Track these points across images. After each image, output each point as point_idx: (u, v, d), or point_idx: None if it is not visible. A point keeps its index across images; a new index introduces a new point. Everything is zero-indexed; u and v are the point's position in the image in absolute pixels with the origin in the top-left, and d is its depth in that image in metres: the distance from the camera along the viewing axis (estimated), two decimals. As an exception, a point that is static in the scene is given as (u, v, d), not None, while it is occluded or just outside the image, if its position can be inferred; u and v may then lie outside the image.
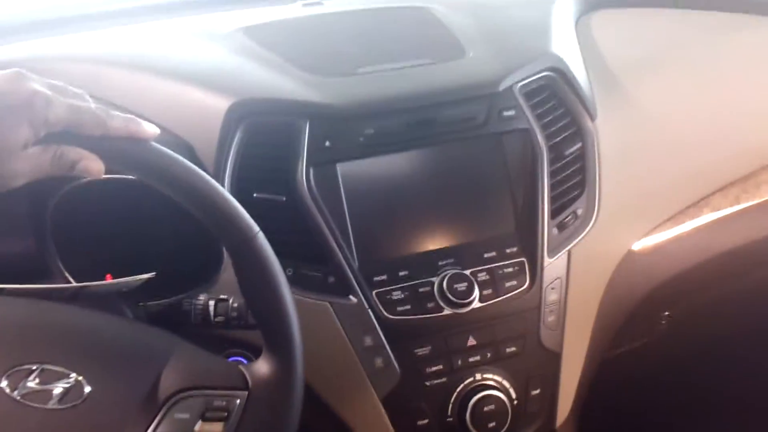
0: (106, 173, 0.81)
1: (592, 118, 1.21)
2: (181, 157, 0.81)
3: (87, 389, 0.77)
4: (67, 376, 0.77)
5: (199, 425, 0.79)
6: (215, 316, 0.97)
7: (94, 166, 0.80)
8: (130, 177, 0.87)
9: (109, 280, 0.97)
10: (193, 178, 0.80)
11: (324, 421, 1.09)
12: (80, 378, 0.78)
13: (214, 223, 0.80)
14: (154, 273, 0.97)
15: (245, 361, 0.99)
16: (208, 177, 0.80)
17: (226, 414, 0.80)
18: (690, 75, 1.36)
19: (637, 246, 1.24)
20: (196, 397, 0.80)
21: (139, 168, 0.80)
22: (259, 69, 1.17)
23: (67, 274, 1.09)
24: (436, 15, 1.34)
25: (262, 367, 0.83)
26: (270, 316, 0.83)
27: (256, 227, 0.81)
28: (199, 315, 0.98)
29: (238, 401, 0.81)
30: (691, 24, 1.46)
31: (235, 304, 0.97)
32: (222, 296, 0.98)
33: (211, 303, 0.98)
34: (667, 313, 1.43)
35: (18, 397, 0.75)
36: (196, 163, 1.01)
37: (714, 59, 1.39)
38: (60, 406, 0.76)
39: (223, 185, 1.04)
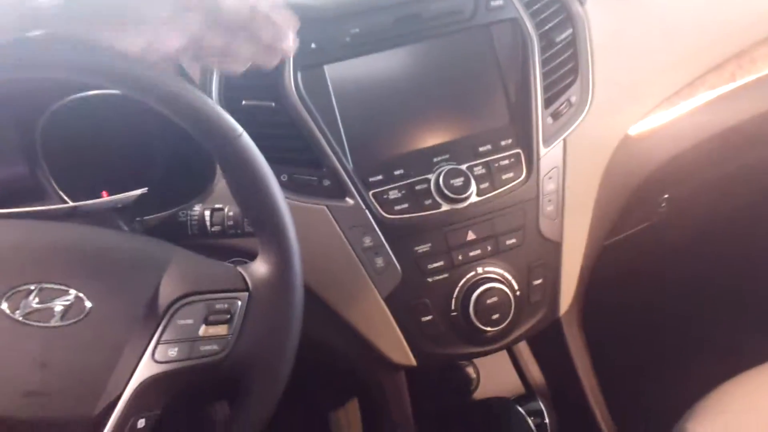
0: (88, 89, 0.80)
1: (582, 2, 1.18)
2: (156, 66, 0.79)
3: (88, 304, 0.78)
4: (67, 292, 0.78)
5: (203, 329, 0.80)
6: (211, 225, 0.97)
7: None
8: (116, 92, 0.86)
9: (103, 198, 0.97)
10: (170, 85, 0.78)
11: (329, 324, 1.10)
12: (80, 294, 0.78)
13: (197, 128, 0.79)
14: (146, 188, 0.97)
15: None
16: (185, 83, 0.79)
17: (228, 316, 0.81)
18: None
19: (634, 130, 1.22)
20: (198, 302, 0.81)
21: (116, 79, 0.78)
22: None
23: (62, 194, 1.09)
24: None
25: (260, 267, 0.83)
26: (261, 215, 0.83)
27: (239, 128, 0.80)
28: (196, 225, 0.98)
29: (239, 303, 0.82)
30: None
31: (231, 213, 0.97)
32: (217, 206, 0.98)
33: (207, 213, 0.98)
34: (666, 195, 1.43)
35: (20, 318, 0.75)
36: (181, 73, 1.01)
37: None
38: (63, 323, 0.76)
39: (210, 94, 1.03)
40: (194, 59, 0.85)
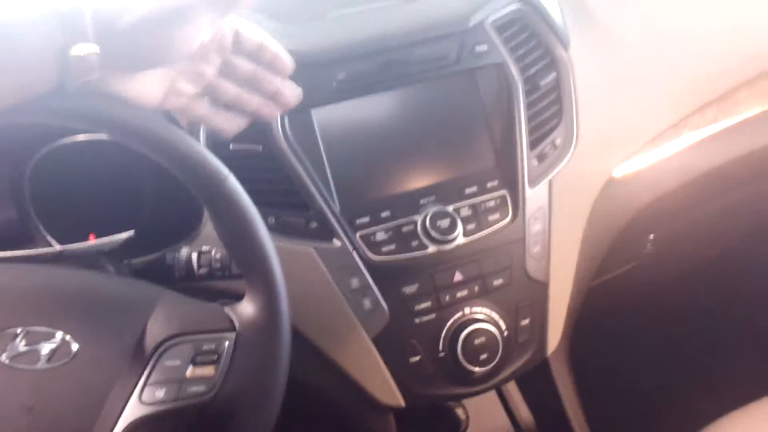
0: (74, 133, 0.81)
1: (566, 47, 1.20)
2: (143, 110, 0.80)
3: (75, 346, 0.78)
4: (53, 335, 0.78)
5: (190, 370, 0.80)
6: (199, 267, 0.97)
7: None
8: (104, 137, 0.87)
9: (90, 241, 0.97)
10: (155, 128, 0.79)
11: (316, 366, 1.10)
12: (66, 336, 0.78)
13: (183, 171, 0.80)
14: (133, 231, 0.97)
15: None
16: (172, 126, 0.80)
17: (216, 357, 0.81)
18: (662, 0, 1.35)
19: (618, 171, 1.23)
20: (185, 343, 0.81)
21: (98, 122, 0.79)
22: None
23: (49, 238, 1.09)
24: (399, -46, 1.32)
25: (247, 307, 0.84)
26: (248, 256, 0.83)
27: (225, 170, 0.81)
28: (183, 268, 0.98)
29: (226, 343, 0.82)
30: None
31: (218, 255, 0.97)
32: (204, 248, 0.99)
33: (194, 255, 0.98)
34: (651, 236, 1.44)
35: (6, 361, 0.75)
36: (169, 118, 1.02)
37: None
38: (49, 366, 0.76)
39: (198, 138, 1.04)
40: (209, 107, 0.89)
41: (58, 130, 1.07)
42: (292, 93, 0.94)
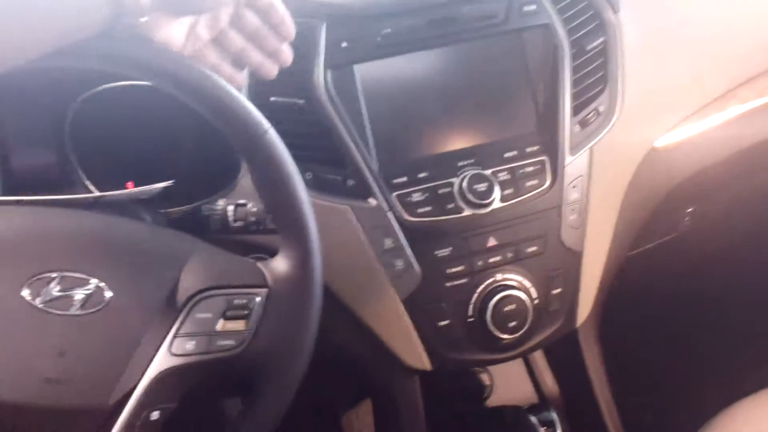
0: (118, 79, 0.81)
1: (615, 10, 1.17)
2: (186, 58, 0.80)
3: (108, 294, 0.78)
4: (88, 282, 0.78)
5: (221, 324, 0.81)
6: (234, 221, 0.97)
7: None
8: (146, 83, 0.86)
9: (128, 189, 0.97)
10: (199, 78, 0.79)
11: (345, 325, 1.11)
12: (101, 283, 0.78)
13: (224, 122, 0.79)
14: (172, 181, 0.97)
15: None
16: (215, 76, 0.79)
17: (247, 312, 0.81)
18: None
19: (661, 142, 1.21)
20: (217, 297, 0.81)
21: (147, 70, 0.79)
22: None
23: (88, 184, 1.10)
24: None
25: (281, 263, 0.83)
26: (284, 212, 0.83)
27: (266, 123, 0.80)
28: (218, 220, 0.98)
29: (258, 299, 0.82)
30: None
31: (254, 209, 0.97)
32: (240, 201, 0.98)
33: (230, 208, 0.98)
34: (690, 209, 1.42)
35: (40, 305, 0.76)
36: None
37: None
38: (82, 312, 0.77)
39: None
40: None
41: (100, 76, 1.07)
42: (289, 56, 0.93)
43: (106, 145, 1.10)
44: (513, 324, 1.10)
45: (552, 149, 1.12)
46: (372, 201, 1.07)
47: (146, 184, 0.96)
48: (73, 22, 0.73)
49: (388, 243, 1.07)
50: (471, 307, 1.11)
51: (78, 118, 1.09)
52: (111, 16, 0.74)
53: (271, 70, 0.94)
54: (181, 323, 0.80)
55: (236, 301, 0.81)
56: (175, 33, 0.81)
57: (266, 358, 0.83)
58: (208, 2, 0.80)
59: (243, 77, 0.95)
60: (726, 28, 1.28)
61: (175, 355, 0.79)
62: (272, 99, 1.05)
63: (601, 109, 1.16)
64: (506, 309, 1.09)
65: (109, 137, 1.10)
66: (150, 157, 1.10)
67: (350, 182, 1.07)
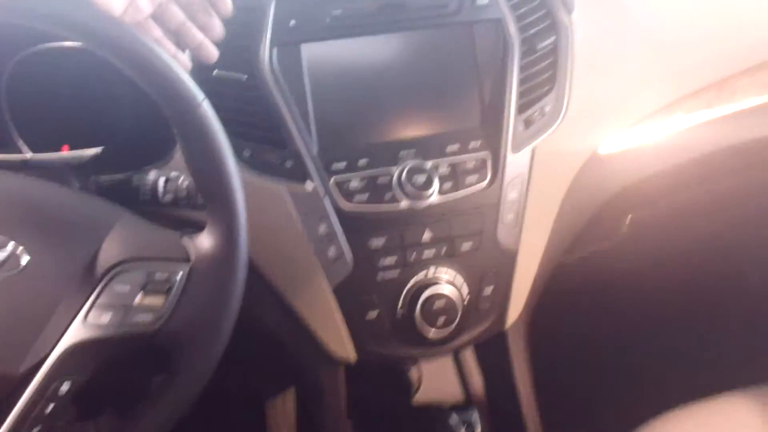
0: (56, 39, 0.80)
1: (569, 11, 1.17)
2: (126, 24, 0.78)
3: (25, 259, 0.77)
4: (5, 244, 0.76)
5: (139, 297, 0.79)
6: (164, 194, 0.96)
7: None
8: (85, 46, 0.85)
9: (58, 153, 0.95)
10: (136, 44, 0.77)
11: (272, 308, 1.10)
12: (19, 248, 0.77)
13: (158, 91, 0.78)
14: (101, 148, 0.95)
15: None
16: (152, 44, 0.78)
17: (167, 287, 0.80)
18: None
19: (604, 148, 1.21)
20: (137, 269, 0.79)
21: (84, 33, 0.77)
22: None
23: (21, 145, 1.07)
24: None
25: (205, 239, 0.82)
26: (212, 186, 0.81)
27: (201, 95, 0.79)
28: (148, 192, 0.96)
29: (180, 274, 0.80)
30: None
31: (185, 184, 0.96)
32: (173, 174, 0.97)
33: (161, 180, 0.96)
34: (629, 217, 1.43)
35: None
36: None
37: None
38: None
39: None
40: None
41: (39, 35, 1.04)
42: (221, 31, 0.95)
43: (44, 107, 1.09)
44: (442, 320, 1.09)
45: (494, 146, 1.11)
46: (309, 184, 1.05)
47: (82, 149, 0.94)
48: None
49: (322, 229, 1.06)
50: (401, 300, 1.10)
51: (15, 76, 1.07)
52: None
53: (212, 52, 0.94)
54: (99, 294, 0.78)
55: (157, 275, 0.80)
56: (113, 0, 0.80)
57: (184, 336, 0.81)
58: None
59: (186, 58, 0.94)
60: (678, 40, 1.28)
61: (90, 325, 0.77)
62: (215, 72, 1.03)
63: (547, 109, 1.15)
64: (436, 304, 1.08)
65: (48, 100, 1.09)
66: (87, 123, 1.09)
67: (288, 164, 1.05)
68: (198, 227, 0.88)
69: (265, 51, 1.03)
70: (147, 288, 0.79)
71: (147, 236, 0.82)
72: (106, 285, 0.78)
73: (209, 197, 0.82)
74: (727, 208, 1.56)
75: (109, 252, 0.79)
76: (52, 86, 1.08)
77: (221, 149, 0.80)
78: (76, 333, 0.76)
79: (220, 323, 0.82)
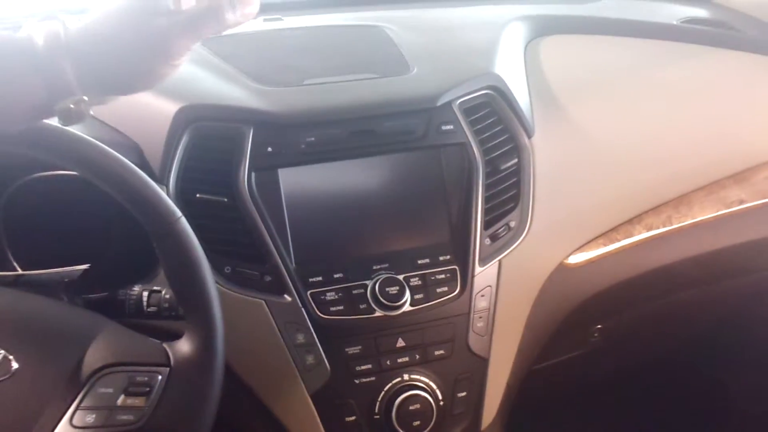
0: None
1: (529, 135, 1.25)
2: (103, 146, 0.85)
3: (14, 365, 0.81)
4: (-4, 353, 0.81)
5: (121, 399, 0.84)
6: (148, 306, 1.01)
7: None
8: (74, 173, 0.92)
9: (47, 270, 1.01)
10: (114, 166, 0.84)
11: (255, 415, 1.13)
12: (10, 356, 0.82)
13: (138, 209, 0.85)
14: (88, 265, 1.01)
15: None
16: (130, 164, 0.85)
17: (148, 389, 0.85)
18: (628, 99, 1.41)
19: (569, 260, 1.28)
20: (120, 373, 0.84)
21: (68, 158, 0.85)
22: (211, 77, 1.21)
23: (15, 264, 1.13)
24: (387, 33, 1.39)
25: (184, 345, 0.87)
26: (190, 296, 0.87)
27: (178, 212, 0.86)
28: (133, 305, 1.01)
29: (160, 377, 0.85)
30: (635, 51, 1.52)
31: (167, 296, 1.00)
32: (156, 288, 1.02)
33: (145, 294, 1.01)
34: (599, 326, 1.47)
35: None
36: (142, 164, 1.07)
37: (653, 85, 1.44)
38: None
39: (168, 185, 1.09)
40: None
41: (36, 163, 1.11)
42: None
43: (37, 228, 1.15)
44: (417, 423, 1.13)
45: (463, 259, 1.18)
46: (287, 297, 1.11)
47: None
48: (19, 108, 0.79)
49: (300, 338, 1.10)
50: (378, 404, 1.13)
51: (11, 201, 1.14)
52: (48, 99, 0.78)
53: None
54: (83, 397, 0.83)
55: (138, 378, 0.85)
56: None
57: None
58: (138, 85, 0.84)
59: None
60: (636, 159, 1.36)
61: (76, 427, 0.82)
62: (198, 195, 1.10)
63: (512, 224, 1.22)
64: (411, 408, 1.12)
65: (41, 221, 1.15)
66: (78, 243, 1.13)
67: (267, 278, 1.11)
68: (179, 336, 0.93)
69: (244, 175, 1.10)
70: (129, 390, 0.84)
71: (129, 343, 0.88)
72: (90, 388, 0.83)
73: (187, 306, 0.88)
74: (692, 316, 1.60)
75: (93, 358, 0.84)
76: (45, 209, 1.14)
77: (198, 262, 0.87)
78: None
79: (199, 422, 0.86)
